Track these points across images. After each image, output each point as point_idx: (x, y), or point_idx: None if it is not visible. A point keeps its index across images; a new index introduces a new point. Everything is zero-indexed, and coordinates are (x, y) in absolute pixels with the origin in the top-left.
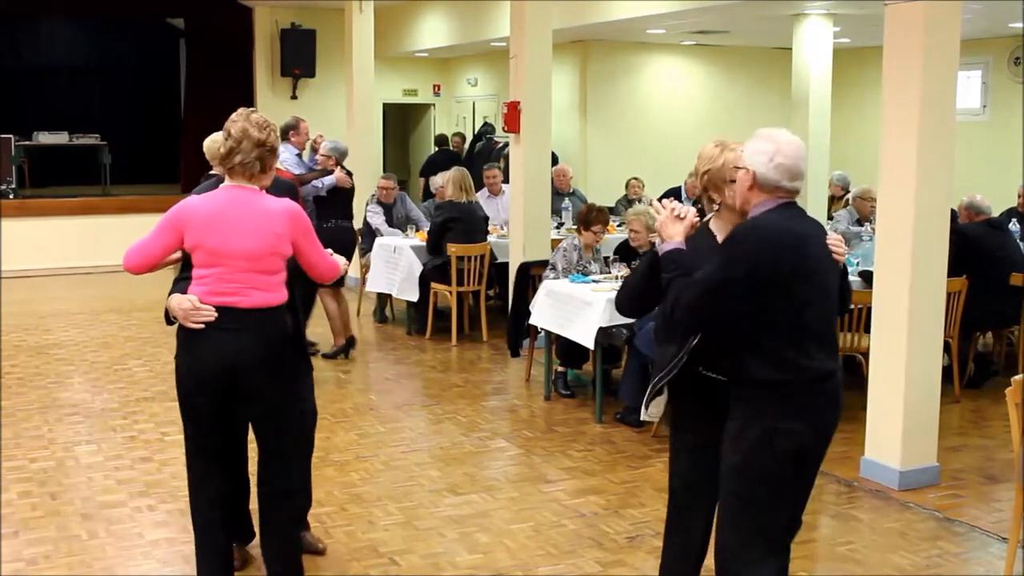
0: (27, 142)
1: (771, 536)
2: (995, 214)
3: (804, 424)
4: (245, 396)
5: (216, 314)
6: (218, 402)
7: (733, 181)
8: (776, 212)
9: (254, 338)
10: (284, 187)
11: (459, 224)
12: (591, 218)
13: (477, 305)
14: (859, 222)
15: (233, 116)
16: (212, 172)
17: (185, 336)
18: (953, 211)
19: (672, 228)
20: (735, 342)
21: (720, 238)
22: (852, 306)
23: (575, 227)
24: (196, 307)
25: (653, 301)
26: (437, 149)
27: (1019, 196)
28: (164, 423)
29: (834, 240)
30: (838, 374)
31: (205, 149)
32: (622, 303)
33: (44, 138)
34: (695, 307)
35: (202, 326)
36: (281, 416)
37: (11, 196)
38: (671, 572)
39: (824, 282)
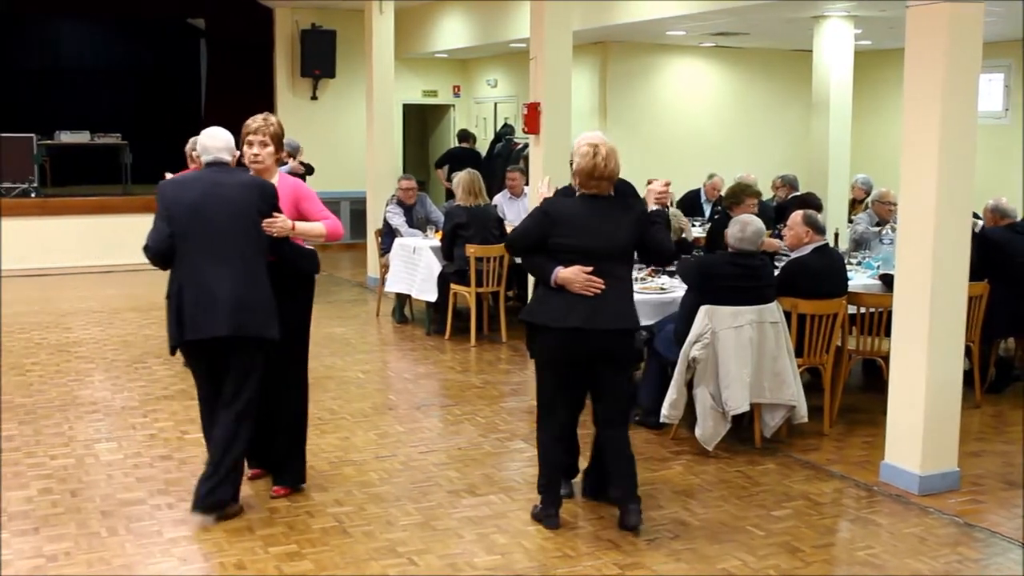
0: (49, 141)
1: None
2: (1019, 217)
3: None
4: None
5: None
6: None
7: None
8: None
9: None
10: None
11: (468, 229)
12: None
13: (496, 306)
14: (878, 225)
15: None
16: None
17: None
18: (975, 214)
19: None
20: None
21: None
22: (872, 309)
23: None
24: None
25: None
26: (457, 145)
27: None
28: (183, 421)
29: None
30: None
31: (225, 145)
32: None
33: (65, 137)
34: None
35: None
36: None
37: (33, 195)
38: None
39: None
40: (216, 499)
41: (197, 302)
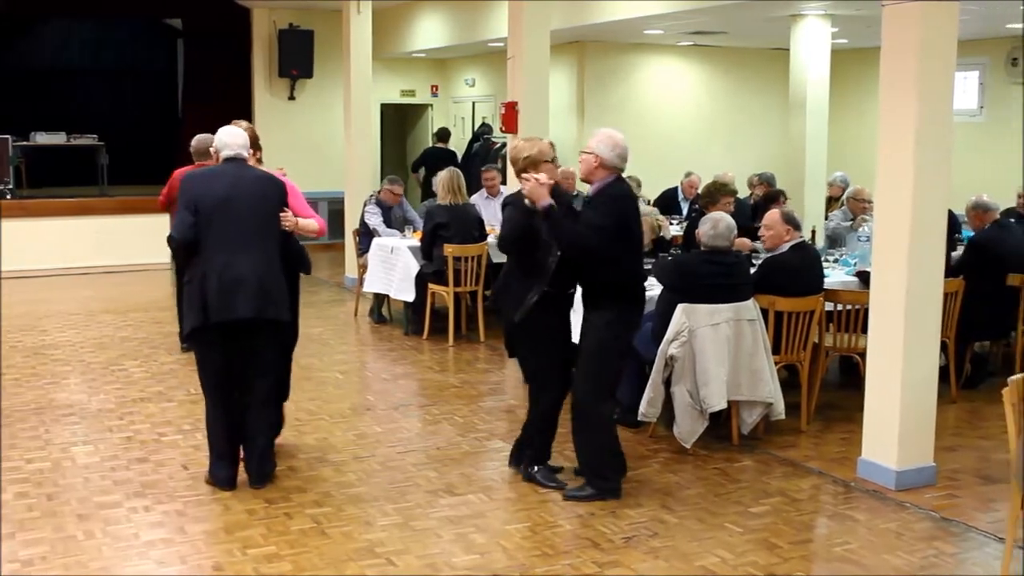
0: (24, 142)
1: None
2: (1000, 209)
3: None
4: None
5: None
6: None
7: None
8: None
9: None
10: None
11: (449, 229)
12: None
13: (474, 305)
14: (851, 221)
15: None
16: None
17: None
18: (951, 213)
19: (543, 191)
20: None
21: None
22: (849, 306)
23: None
24: None
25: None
26: (434, 144)
27: (1019, 197)
28: (160, 424)
29: None
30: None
31: (244, 143)
32: (507, 243)
33: (41, 138)
34: (590, 244)
35: None
36: None
37: (8, 196)
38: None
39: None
40: (270, 469)
41: (222, 287)
